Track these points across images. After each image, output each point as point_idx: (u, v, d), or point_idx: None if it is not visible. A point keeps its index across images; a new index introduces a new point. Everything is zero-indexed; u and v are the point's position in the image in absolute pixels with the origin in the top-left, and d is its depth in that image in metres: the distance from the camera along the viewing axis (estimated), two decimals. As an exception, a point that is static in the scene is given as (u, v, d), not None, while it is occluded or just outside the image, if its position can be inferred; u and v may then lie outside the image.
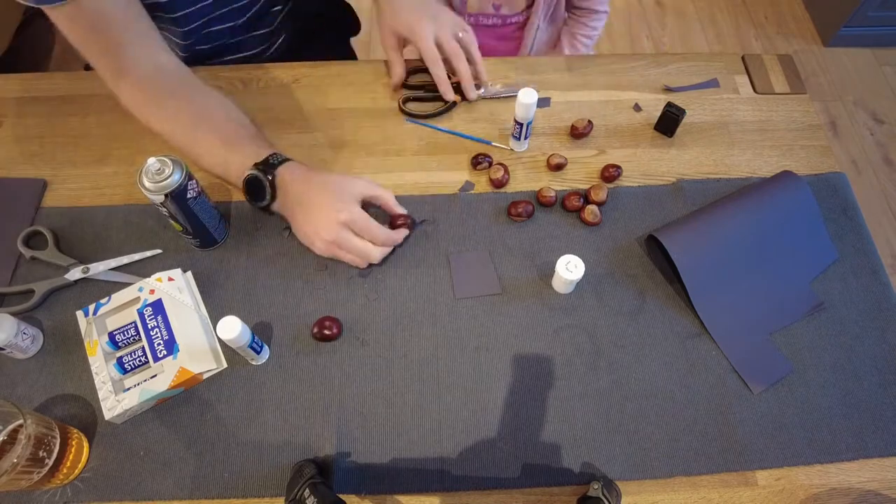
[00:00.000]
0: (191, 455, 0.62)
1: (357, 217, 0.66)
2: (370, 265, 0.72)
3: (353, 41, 1.16)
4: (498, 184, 0.78)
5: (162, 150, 0.73)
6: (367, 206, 0.70)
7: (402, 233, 0.71)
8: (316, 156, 0.81)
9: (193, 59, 0.89)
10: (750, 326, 0.70)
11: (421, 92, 0.85)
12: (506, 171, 0.78)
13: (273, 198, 0.68)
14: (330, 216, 0.66)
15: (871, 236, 0.77)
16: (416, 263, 0.73)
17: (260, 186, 0.67)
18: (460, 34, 0.80)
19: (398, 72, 0.83)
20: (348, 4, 1.10)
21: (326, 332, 0.67)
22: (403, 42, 0.82)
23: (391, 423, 0.64)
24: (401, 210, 0.72)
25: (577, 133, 0.82)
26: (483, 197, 0.78)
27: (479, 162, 0.79)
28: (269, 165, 0.67)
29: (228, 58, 0.94)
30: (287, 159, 0.69)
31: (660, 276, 0.73)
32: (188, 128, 0.71)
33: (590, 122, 0.82)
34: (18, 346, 0.63)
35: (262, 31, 0.94)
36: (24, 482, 0.54)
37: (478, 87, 0.83)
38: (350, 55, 1.16)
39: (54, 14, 0.64)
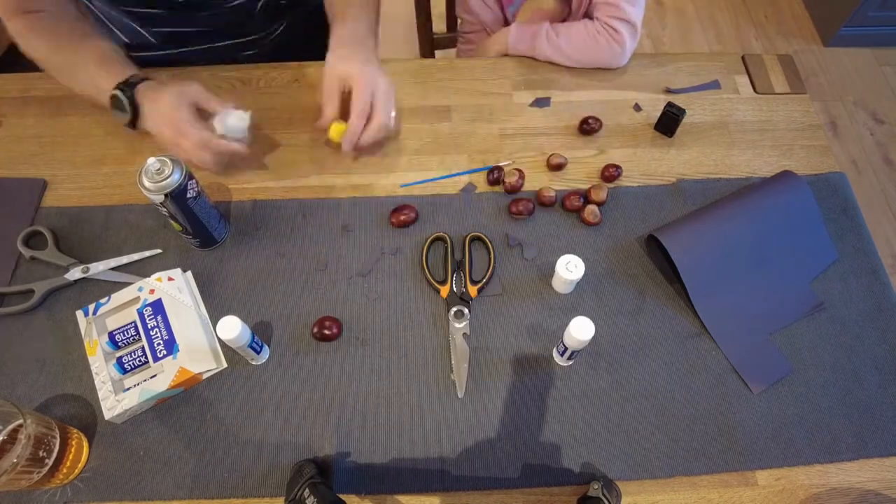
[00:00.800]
0: (191, 455, 0.62)
1: (182, 116, 0.71)
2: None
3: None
4: (511, 188, 0.78)
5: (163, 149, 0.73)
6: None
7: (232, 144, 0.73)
8: (316, 155, 0.81)
9: (191, 38, 0.90)
10: (750, 326, 0.70)
11: None
12: (521, 175, 0.78)
13: (134, 114, 0.74)
14: (165, 113, 0.72)
15: (871, 236, 0.77)
16: (415, 263, 0.73)
17: (121, 104, 0.74)
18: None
19: (329, 114, 0.77)
20: None
21: (326, 332, 0.67)
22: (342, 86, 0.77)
23: (391, 423, 0.64)
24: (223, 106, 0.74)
25: (587, 129, 0.83)
26: (483, 196, 0.78)
27: (496, 179, 0.79)
28: (128, 84, 0.74)
29: (226, 42, 0.94)
30: (146, 79, 0.75)
31: (660, 276, 0.73)
32: (68, 51, 0.77)
33: (599, 120, 0.83)
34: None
35: (263, 20, 0.95)
36: (24, 482, 0.54)
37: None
38: None
39: None
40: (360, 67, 0.75)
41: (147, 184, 0.62)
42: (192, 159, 0.72)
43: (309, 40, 0.93)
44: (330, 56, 0.77)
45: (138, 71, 0.76)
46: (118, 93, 0.73)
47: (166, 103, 0.72)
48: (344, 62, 0.76)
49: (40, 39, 0.77)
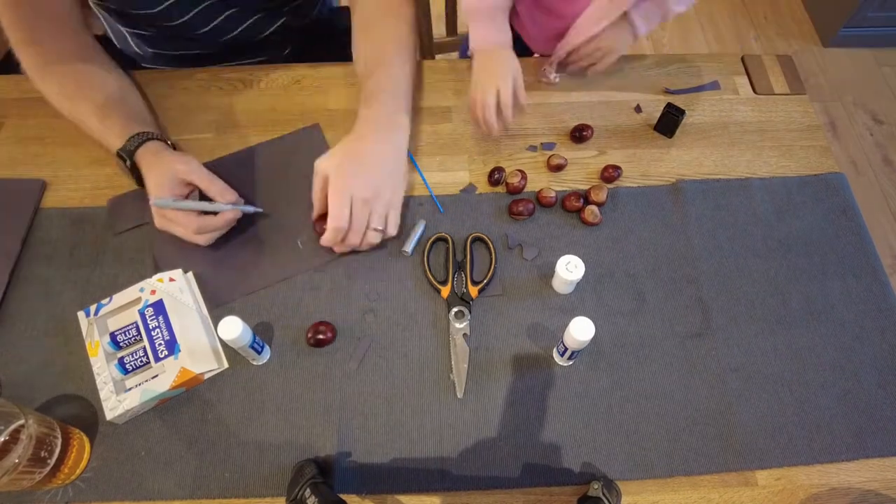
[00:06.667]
0: (192, 455, 0.62)
1: (165, 204, 0.68)
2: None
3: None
4: (514, 189, 0.78)
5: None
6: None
7: (218, 219, 0.69)
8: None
9: (198, 60, 0.90)
10: None
11: None
12: (523, 176, 0.78)
13: (140, 182, 0.72)
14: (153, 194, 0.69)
15: (870, 236, 0.77)
16: (415, 264, 0.73)
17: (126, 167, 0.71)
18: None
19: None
20: (348, 8, 1.11)
21: (321, 336, 0.67)
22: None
23: (392, 423, 0.64)
24: (227, 196, 0.70)
25: (578, 138, 0.82)
26: (484, 197, 0.78)
27: (497, 180, 0.79)
28: (126, 151, 0.71)
29: (230, 64, 0.95)
30: (148, 139, 0.71)
31: (660, 276, 0.73)
32: (69, 97, 0.74)
33: (590, 127, 0.83)
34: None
35: (264, 40, 0.95)
36: (26, 482, 0.55)
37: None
38: (350, 57, 1.16)
39: None
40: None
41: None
42: (187, 239, 0.69)
43: (319, 58, 0.93)
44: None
45: (139, 127, 0.72)
46: (119, 159, 0.71)
47: (154, 182, 0.69)
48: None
49: (48, 83, 0.74)
